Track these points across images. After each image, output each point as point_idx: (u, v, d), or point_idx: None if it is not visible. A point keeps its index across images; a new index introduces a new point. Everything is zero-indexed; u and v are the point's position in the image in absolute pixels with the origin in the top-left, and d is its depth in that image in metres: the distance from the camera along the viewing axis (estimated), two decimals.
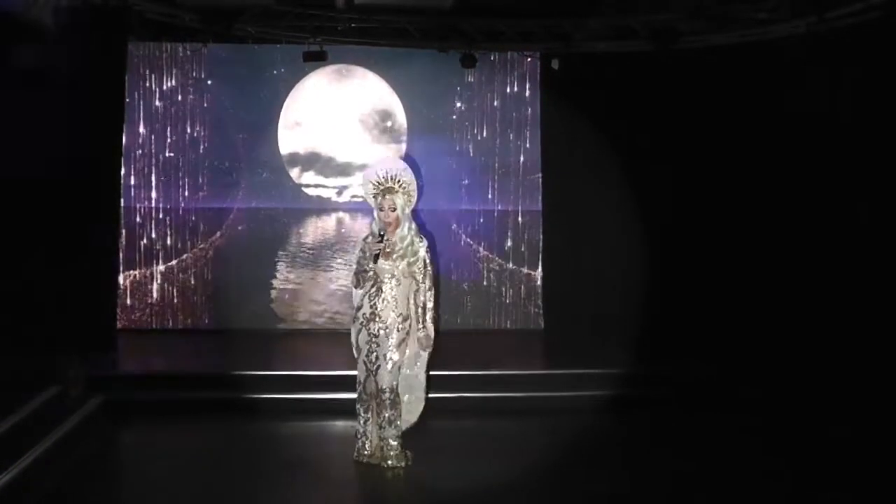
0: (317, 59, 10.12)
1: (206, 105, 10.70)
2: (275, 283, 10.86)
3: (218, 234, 10.74)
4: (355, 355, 6.15)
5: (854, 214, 8.94)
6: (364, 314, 6.06)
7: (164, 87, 10.60)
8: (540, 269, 11.01)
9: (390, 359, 6.00)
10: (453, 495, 5.42)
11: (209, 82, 10.70)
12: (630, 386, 8.20)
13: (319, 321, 10.71)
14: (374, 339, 6.01)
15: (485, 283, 11.04)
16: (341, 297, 10.57)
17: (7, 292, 8.60)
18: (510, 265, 11.04)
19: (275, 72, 10.81)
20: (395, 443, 6.05)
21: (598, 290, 10.13)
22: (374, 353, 6.01)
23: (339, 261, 10.84)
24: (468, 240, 10.97)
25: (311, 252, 10.92)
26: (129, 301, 10.50)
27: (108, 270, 9.85)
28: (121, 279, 10.39)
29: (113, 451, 6.83)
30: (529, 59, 10.97)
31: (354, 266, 6.19)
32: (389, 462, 6.00)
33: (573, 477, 5.97)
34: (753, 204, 9.79)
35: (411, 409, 6.29)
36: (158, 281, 10.59)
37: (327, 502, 5.51)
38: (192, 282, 10.68)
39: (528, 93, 11.08)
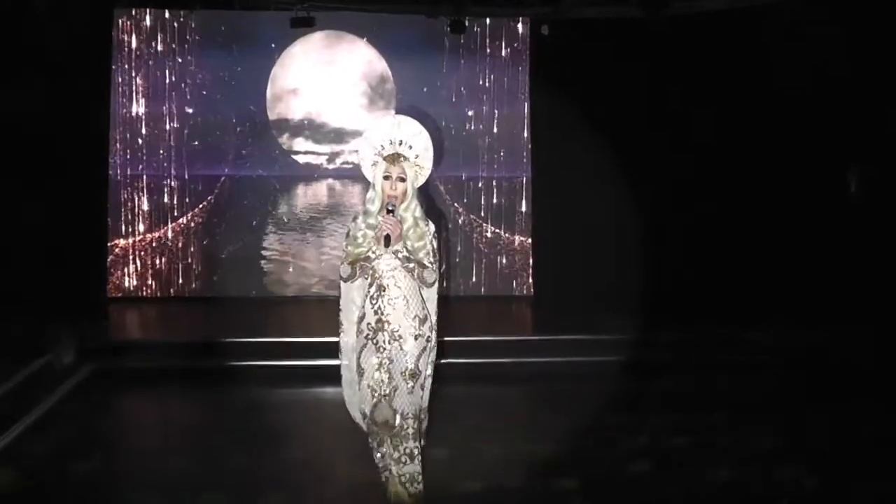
0: (304, 25, 10.06)
1: (193, 72, 10.62)
2: (265, 250, 10.85)
3: (207, 201, 10.70)
4: (347, 379, 4.82)
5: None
6: (368, 324, 4.62)
7: (151, 54, 10.51)
8: (530, 236, 11.02)
9: (411, 375, 4.58)
10: (441, 463, 5.42)
11: (196, 49, 10.62)
12: (619, 352, 8.23)
13: (310, 289, 10.71)
14: (384, 355, 4.58)
15: (474, 250, 11.04)
16: (332, 264, 10.54)
17: None
18: (500, 232, 11.04)
19: (262, 38, 10.72)
20: (420, 480, 4.66)
21: (588, 256, 10.13)
22: (387, 373, 4.58)
23: (330, 228, 10.83)
24: (458, 207, 10.96)
25: (301, 219, 10.90)
26: (118, 270, 10.48)
27: (98, 239, 9.86)
28: (110, 248, 10.36)
29: (103, 419, 6.83)
30: (519, 25, 10.92)
31: (345, 253, 4.70)
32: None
33: (562, 443, 5.96)
34: (747, 169, 9.82)
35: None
36: (148, 249, 10.57)
37: (318, 468, 5.49)
38: (182, 250, 10.66)
39: (517, 59, 11.03)
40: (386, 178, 4.60)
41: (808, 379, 7.76)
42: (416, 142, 4.67)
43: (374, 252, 4.60)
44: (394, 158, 4.62)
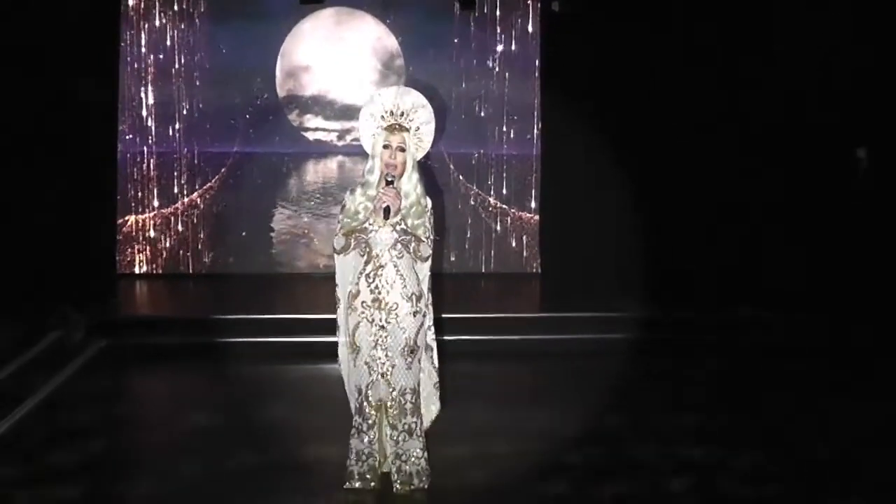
0: (314, 1, 10.04)
1: (203, 48, 10.59)
2: (274, 227, 10.87)
3: (217, 178, 10.71)
4: (344, 356, 4.79)
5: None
6: (363, 302, 4.57)
7: (161, 31, 10.50)
8: (537, 212, 11.02)
9: (410, 351, 4.60)
10: (447, 438, 5.46)
11: (206, 25, 10.58)
12: (626, 329, 8.25)
13: (320, 265, 10.73)
14: (381, 332, 4.56)
15: (482, 225, 11.04)
16: None
17: (8, 240, 8.66)
18: (507, 208, 11.04)
19: (272, 15, 10.68)
20: (423, 456, 4.70)
21: (597, 234, 10.11)
22: (384, 350, 4.57)
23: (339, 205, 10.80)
24: (465, 182, 10.95)
25: (311, 196, 10.91)
26: (128, 246, 10.51)
27: (108, 216, 9.89)
28: (119, 225, 10.40)
29: (115, 395, 6.89)
30: (530, 1, 10.87)
31: (340, 226, 4.66)
32: (413, 485, 4.65)
33: (568, 418, 5.99)
34: (760, 150, 9.79)
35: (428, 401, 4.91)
36: (158, 226, 10.59)
37: (330, 445, 5.47)
38: (192, 226, 10.68)
39: (527, 35, 10.97)
40: (385, 147, 4.55)
41: (810, 364, 7.77)
42: (418, 114, 4.62)
43: (371, 224, 4.57)
44: (394, 128, 4.57)
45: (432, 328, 4.81)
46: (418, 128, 4.62)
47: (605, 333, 8.15)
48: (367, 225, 4.57)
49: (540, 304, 10.21)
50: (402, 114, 4.59)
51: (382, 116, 4.61)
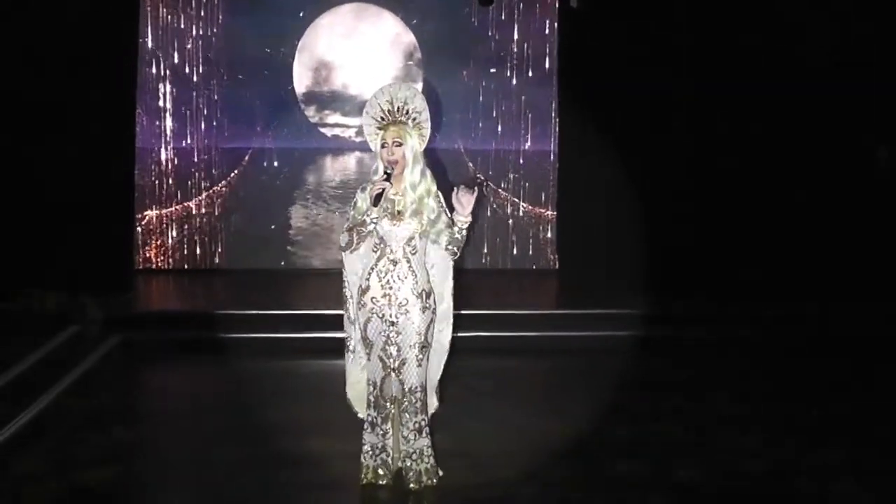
0: None
1: (221, 44, 10.63)
2: (291, 223, 10.89)
3: (234, 173, 10.75)
4: (354, 350, 4.81)
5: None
6: (373, 297, 4.56)
7: (180, 25, 10.53)
8: (555, 208, 10.99)
9: (421, 347, 4.58)
10: (465, 433, 5.45)
11: (225, 20, 10.61)
12: (644, 326, 8.23)
13: (337, 261, 10.68)
14: (392, 328, 4.55)
15: (500, 222, 11.03)
16: None
17: (26, 234, 8.71)
18: (525, 205, 11.02)
19: (290, 10, 10.71)
20: (430, 454, 4.69)
21: (613, 230, 10.07)
22: (396, 346, 4.56)
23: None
24: (483, 179, 10.93)
25: (328, 192, 10.93)
26: (145, 241, 10.55)
27: (125, 211, 9.91)
28: (137, 220, 10.43)
29: (130, 389, 6.92)
30: None
31: (348, 223, 4.67)
32: (422, 482, 4.64)
33: (586, 416, 5.96)
34: (779, 145, 9.73)
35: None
36: (175, 221, 10.63)
37: (345, 440, 5.46)
38: (209, 222, 10.72)
39: (545, 31, 10.96)
40: (383, 145, 4.55)
41: (831, 357, 7.76)
42: (412, 105, 4.60)
43: (368, 216, 4.53)
44: (388, 125, 4.57)
45: (450, 325, 4.82)
46: (414, 118, 4.61)
47: (623, 330, 8.13)
48: (365, 217, 4.55)
49: (556, 301, 10.17)
50: (397, 109, 4.59)
51: (379, 116, 4.62)
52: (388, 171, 4.52)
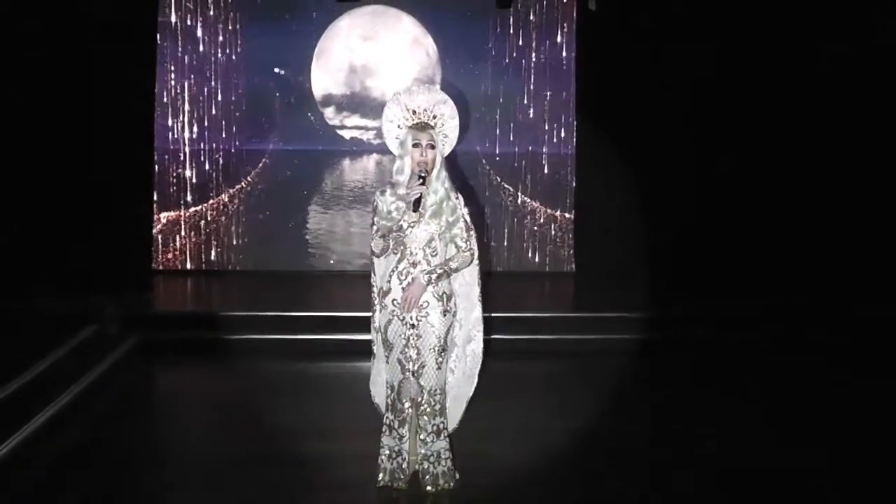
0: None
1: (239, 46, 10.66)
2: (309, 225, 10.90)
3: (252, 175, 10.77)
4: (378, 351, 4.78)
5: None
6: (394, 300, 4.55)
7: (198, 28, 10.56)
8: (572, 211, 10.96)
9: (440, 350, 4.57)
10: (481, 434, 5.44)
11: (243, 23, 10.64)
12: (660, 329, 8.20)
13: (353, 264, 10.74)
14: (412, 331, 4.54)
15: (517, 225, 11.01)
16: None
17: (45, 234, 8.77)
18: (543, 207, 11.00)
19: (309, 13, 10.73)
20: (448, 457, 4.65)
21: (632, 233, 10.06)
22: (415, 349, 4.55)
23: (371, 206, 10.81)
24: (500, 182, 10.93)
25: (346, 194, 10.94)
26: (163, 242, 10.58)
27: (144, 211, 9.96)
28: (155, 220, 10.46)
29: (148, 389, 6.95)
30: (566, 1, 10.83)
31: (375, 228, 4.60)
32: (439, 485, 4.61)
33: (603, 419, 5.95)
34: (798, 149, 9.71)
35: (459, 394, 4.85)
36: (193, 222, 10.66)
37: (363, 442, 5.45)
38: (227, 223, 10.74)
39: (564, 35, 10.94)
40: (416, 145, 4.53)
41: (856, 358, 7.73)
42: (442, 110, 4.63)
43: (405, 221, 4.52)
44: (422, 126, 4.58)
45: (481, 332, 4.81)
46: (443, 124, 4.63)
47: (640, 333, 8.09)
48: (402, 223, 4.52)
49: (574, 304, 10.15)
50: (424, 111, 4.61)
51: (407, 116, 4.62)
52: (423, 175, 4.47)
